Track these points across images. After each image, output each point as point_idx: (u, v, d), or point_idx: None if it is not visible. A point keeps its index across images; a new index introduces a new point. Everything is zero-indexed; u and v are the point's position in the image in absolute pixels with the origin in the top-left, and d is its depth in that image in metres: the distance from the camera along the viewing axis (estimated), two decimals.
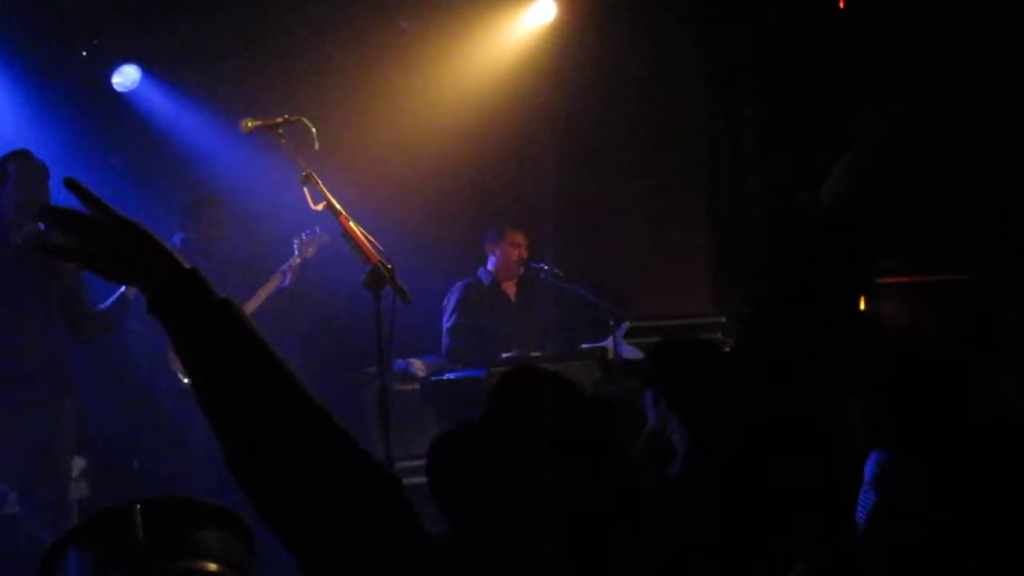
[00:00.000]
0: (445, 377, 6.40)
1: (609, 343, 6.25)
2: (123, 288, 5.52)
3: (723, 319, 6.74)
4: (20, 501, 5.63)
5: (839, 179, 3.22)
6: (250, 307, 6.77)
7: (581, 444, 1.93)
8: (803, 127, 7.28)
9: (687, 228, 7.88)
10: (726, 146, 7.76)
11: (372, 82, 7.62)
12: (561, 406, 1.95)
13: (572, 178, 7.93)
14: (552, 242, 7.38)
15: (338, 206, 4.44)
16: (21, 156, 5.46)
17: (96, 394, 6.78)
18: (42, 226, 4.57)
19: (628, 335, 6.33)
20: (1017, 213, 6.73)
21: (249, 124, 4.71)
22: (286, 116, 4.70)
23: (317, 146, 4.55)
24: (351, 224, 4.40)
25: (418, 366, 7.19)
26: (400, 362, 7.20)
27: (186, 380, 6.52)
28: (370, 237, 4.40)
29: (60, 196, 5.93)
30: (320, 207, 4.47)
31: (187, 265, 1.82)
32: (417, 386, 6.96)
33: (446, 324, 6.73)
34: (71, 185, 1.81)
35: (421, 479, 6.57)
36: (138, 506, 2.02)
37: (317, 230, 6.70)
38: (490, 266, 6.88)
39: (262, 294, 6.80)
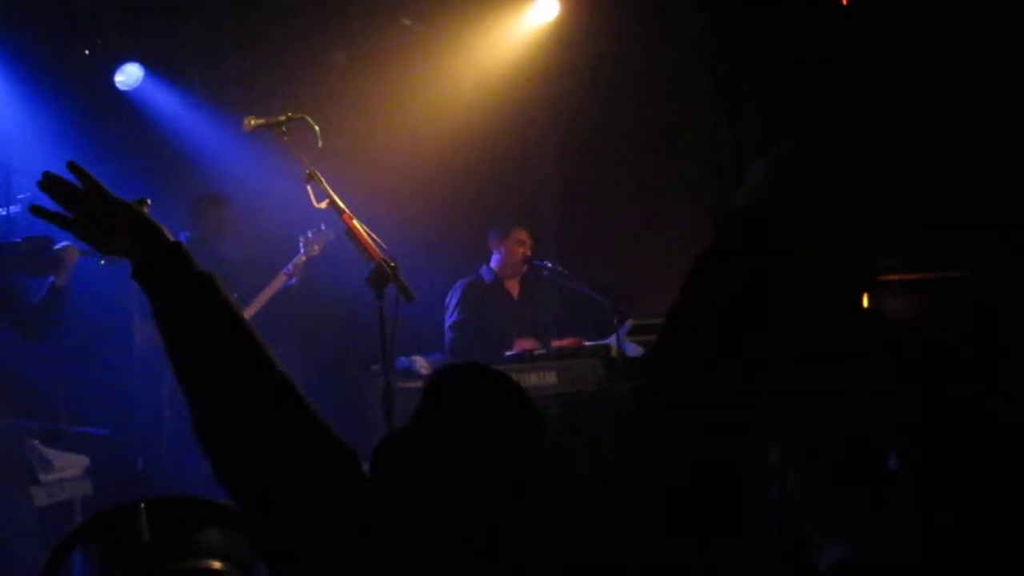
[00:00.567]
0: None
1: (612, 341, 6.25)
2: (51, 279, 5.52)
3: None
4: None
5: (754, 182, 3.23)
6: (255, 305, 6.79)
7: (511, 442, 1.94)
8: (806, 127, 7.26)
9: (690, 225, 7.86)
10: (728, 144, 7.75)
11: (375, 80, 7.62)
12: (488, 406, 1.97)
13: (575, 176, 7.93)
14: (555, 240, 7.38)
15: (341, 204, 4.44)
16: None
17: (97, 394, 6.80)
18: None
19: (631, 333, 6.33)
20: (1020, 209, 6.72)
21: (252, 122, 4.72)
22: (289, 114, 4.70)
23: (320, 144, 4.55)
24: (354, 222, 4.40)
25: (422, 364, 7.19)
26: (404, 360, 7.19)
27: None
28: (373, 235, 4.40)
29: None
30: (323, 205, 4.47)
31: (172, 239, 1.95)
32: (421, 384, 6.95)
33: (449, 321, 6.73)
34: (73, 168, 1.90)
35: None
36: (142, 505, 2.03)
37: (323, 227, 6.71)
38: (493, 264, 6.89)
39: (268, 292, 6.81)
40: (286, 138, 4.64)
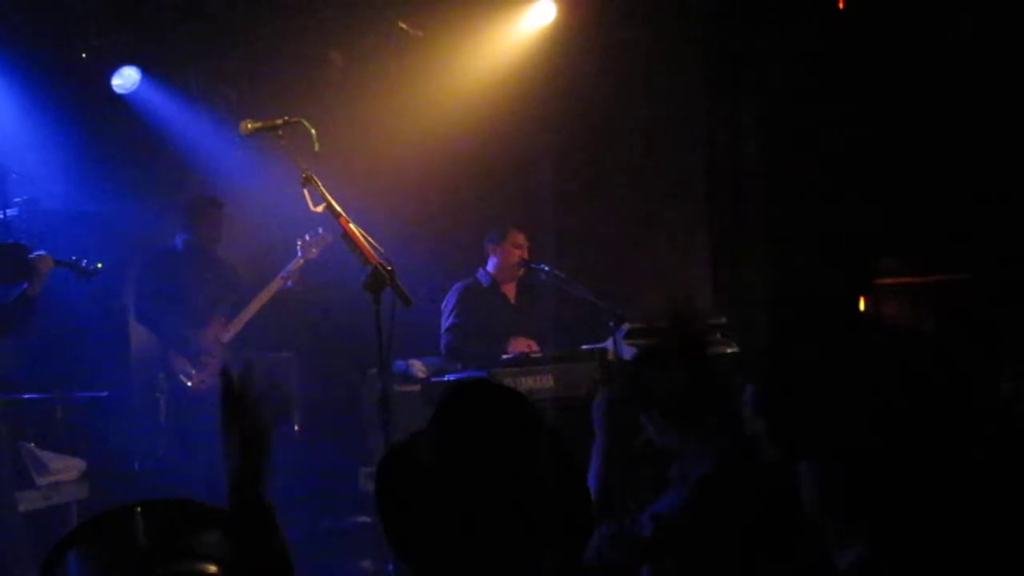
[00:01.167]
0: (446, 378, 6.40)
1: (609, 344, 6.25)
2: (25, 285, 5.54)
3: (723, 320, 6.74)
4: None
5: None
6: (252, 309, 6.79)
7: (523, 462, 1.95)
8: (803, 130, 7.28)
9: (688, 229, 7.88)
10: (726, 147, 7.76)
11: (372, 84, 7.62)
12: (506, 424, 1.97)
13: (571, 179, 7.93)
14: (552, 243, 7.38)
15: (338, 208, 4.44)
16: None
17: (97, 396, 6.79)
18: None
19: (628, 336, 6.33)
20: (1016, 212, 6.73)
21: (249, 126, 4.72)
22: (286, 118, 4.70)
23: (317, 148, 4.55)
24: (351, 226, 4.41)
25: (418, 367, 7.19)
26: (400, 363, 7.19)
27: (189, 383, 6.55)
28: (370, 239, 4.41)
29: (57, 199, 5.85)
30: (320, 209, 4.47)
31: (263, 490, 2.29)
32: (417, 387, 6.95)
33: (445, 324, 6.73)
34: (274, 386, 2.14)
35: None
36: (139, 508, 2.03)
37: (320, 231, 6.71)
38: (490, 267, 6.89)
39: (265, 295, 6.81)
40: (283, 142, 4.65)
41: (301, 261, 6.83)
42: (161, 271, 6.69)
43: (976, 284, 6.75)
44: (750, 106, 7.61)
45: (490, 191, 8.00)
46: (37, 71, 7.17)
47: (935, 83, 6.94)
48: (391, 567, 4.34)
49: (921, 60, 6.98)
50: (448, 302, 6.79)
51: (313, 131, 4.59)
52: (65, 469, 6.28)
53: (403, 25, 7.26)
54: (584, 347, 6.44)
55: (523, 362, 6.18)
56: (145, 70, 7.51)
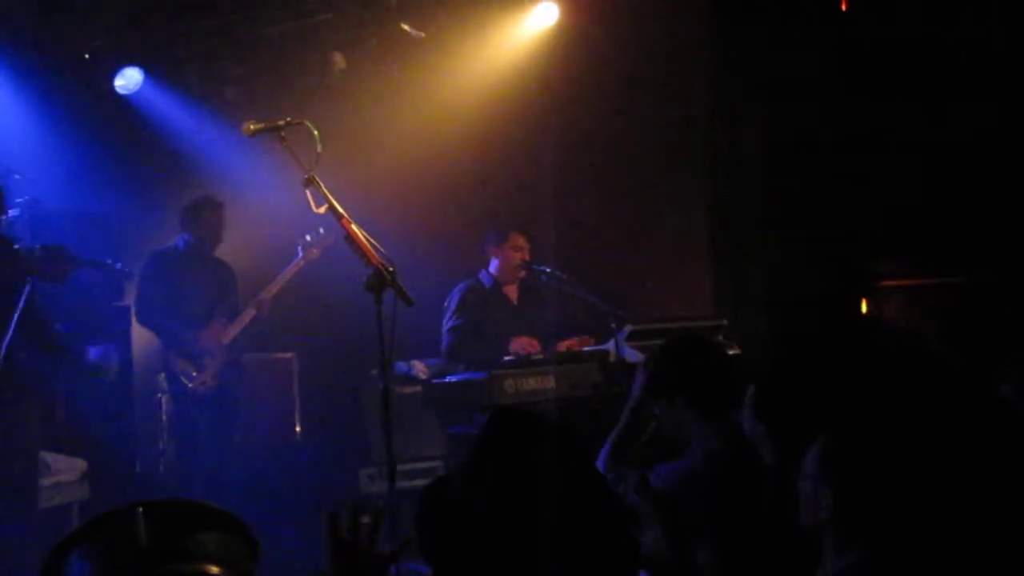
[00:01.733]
0: (447, 379, 6.40)
1: (611, 346, 6.25)
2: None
3: (725, 322, 6.74)
4: None
5: None
6: (251, 311, 6.79)
7: (576, 499, 1.96)
8: (805, 132, 7.28)
9: (689, 231, 7.87)
10: (727, 149, 7.76)
11: (374, 85, 7.63)
12: (552, 457, 1.99)
13: (573, 181, 7.93)
14: (553, 245, 7.38)
15: (340, 209, 4.44)
16: None
17: (98, 397, 6.79)
18: None
19: (630, 338, 6.33)
20: (1017, 215, 6.73)
21: (251, 127, 4.72)
22: (288, 119, 4.70)
23: (320, 149, 4.55)
24: (353, 227, 4.41)
25: (420, 368, 7.19)
26: (402, 364, 7.20)
27: (190, 384, 6.55)
28: (372, 240, 4.41)
29: (59, 199, 5.86)
30: (322, 210, 4.47)
31: None
32: (419, 388, 6.96)
33: (447, 325, 6.73)
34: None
35: (422, 481, 6.62)
36: (140, 509, 2.03)
37: (321, 231, 6.72)
38: (492, 268, 6.88)
39: (266, 295, 6.82)
40: (285, 143, 4.65)
41: (302, 262, 6.84)
42: (162, 272, 6.70)
43: (977, 286, 6.75)
44: (751, 108, 7.61)
45: (492, 192, 8.00)
46: (40, 72, 7.18)
47: (936, 83, 6.93)
48: (392, 570, 4.34)
49: (922, 60, 6.98)
50: (450, 303, 6.79)
51: (316, 132, 4.59)
52: (66, 469, 6.28)
53: (405, 27, 7.26)
54: (586, 348, 6.44)
55: (525, 363, 6.19)
56: (147, 71, 7.52)
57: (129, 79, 7.50)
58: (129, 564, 1.99)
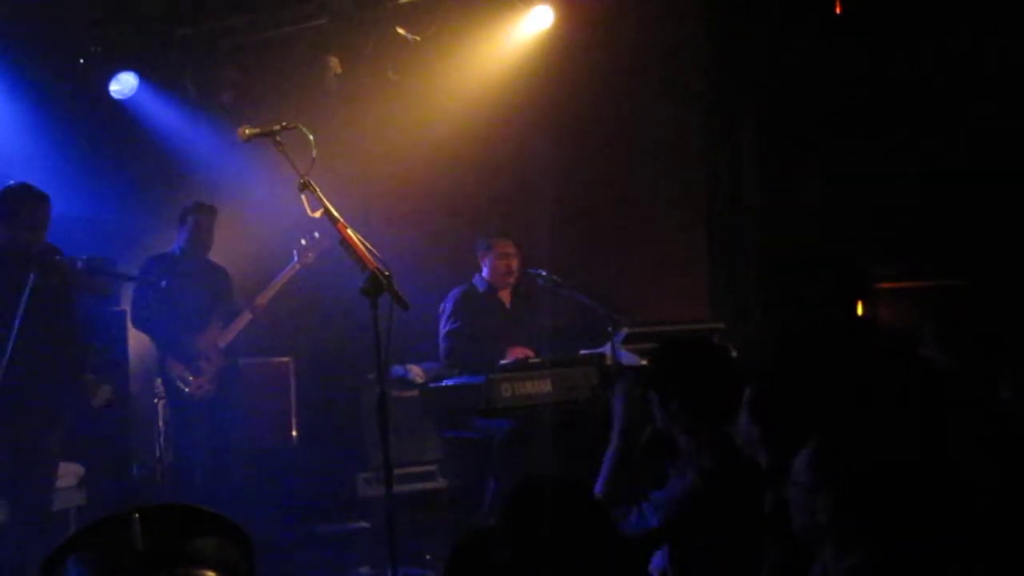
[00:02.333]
0: (443, 384, 6.40)
1: (607, 349, 6.26)
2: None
3: (721, 325, 6.75)
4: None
5: None
6: (247, 316, 6.79)
7: (587, 557, 2.06)
8: (801, 134, 7.29)
9: (685, 234, 7.88)
10: (724, 152, 7.77)
11: (370, 89, 7.63)
12: (566, 523, 2.08)
13: (570, 185, 7.93)
14: (550, 248, 7.38)
15: (336, 213, 4.44)
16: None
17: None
18: None
19: (626, 341, 6.33)
20: (1015, 217, 6.74)
21: (247, 131, 4.72)
22: (284, 123, 4.70)
23: (315, 153, 4.55)
24: (349, 231, 4.40)
25: (416, 373, 7.19)
26: (398, 369, 7.19)
27: (187, 388, 6.54)
28: (368, 244, 4.40)
29: (56, 207, 5.84)
30: (318, 214, 4.47)
31: None
32: (415, 393, 6.96)
33: (443, 330, 6.73)
34: None
35: (419, 485, 6.61)
36: (137, 514, 2.02)
37: (317, 236, 6.71)
38: (485, 273, 6.88)
39: (262, 300, 6.81)
40: (280, 147, 4.64)
41: (298, 266, 6.84)
42: (158, 277, 6.69)
43: (974, 289, 6.75)
44: (749, 110, 7.62)
45: (488, 196, 8.00)
46: (35, 77, 7.18)
47: (935, 84, 6.94)
48: (389, 574, 4.34)
49: (921, 61, 6.99)
50: (445, 308, 6.79)
51: (311, 136, 4.58)
52: (63, 475, 6.26)
53: (401, 30, 7.26)
54: (583, 352, 6.44)
55: (522, 367, 6.19)
56: (143, 76, 7.52)
57: (124, 84, 7.50)
58: (126, 569, 1.99)
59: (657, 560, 3.43)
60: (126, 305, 6.94)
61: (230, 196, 7.22)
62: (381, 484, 4.36)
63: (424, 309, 6.29)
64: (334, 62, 7.51)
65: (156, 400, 7.20)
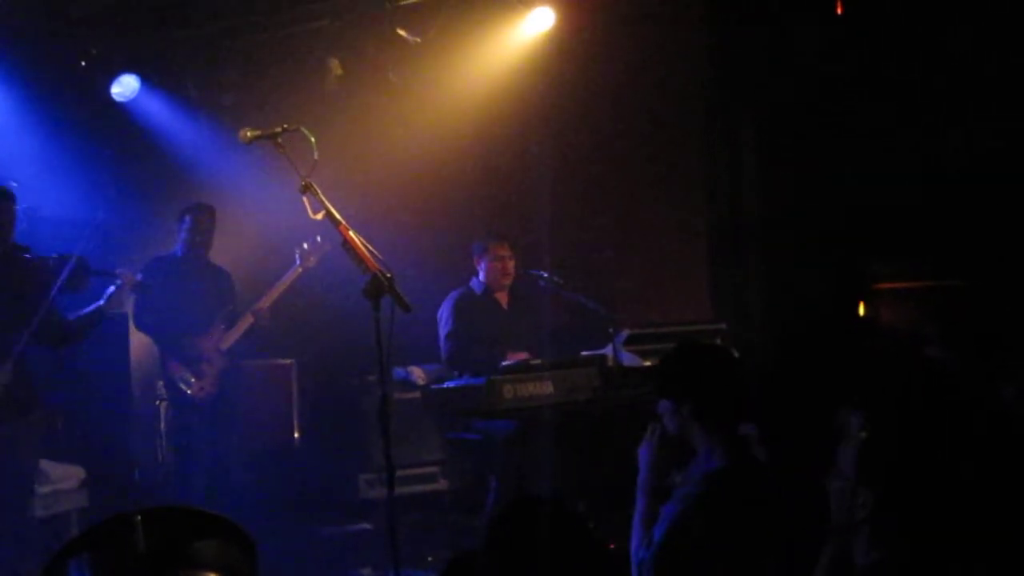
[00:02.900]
0: (445, 385, 6.41)
1: (608, 351, 6.26)
2: (101, 302, 5.60)
3: (723, 326, 6.75)
4: None
5: None
6: (249, 318, 6.79)
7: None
8: (801, 135, 7.28)
9: (686, 235, 7.88)
10: (724, 153, 7.76)
11: (370, 90, 7.63)
12: (558, 541, 2.09)
13: (570, 186, 7.94)
14: (551, 250, 7.38)
15: (337, 216, 4.44)
16: None
17: (96, 404, 6.79)
18: None
19: (627, 343, 6.33)
20: (1015, 217, 6.73)
21: (248, 134, 4.72)
22: (285, 126, 4.70)
23: (316, 155, 4.55)
24: (351, 233, 4.41)
25: (418, 374, 7.20)
26: (400, 370, 7.21)
27: (189, 390, 6.55)
28: (369, 246, 4.41)
29: (57, 206, 5.85)
30: (319, 216, 4.47)
31: None
32: (417, 394, 6.97)
33: (444, 332, 6.73)
34: None
35: (421, 487, 6.63)
36: (139, 516, 2.03)
37: (319, 239, 6.71)
38: (481, 276, 6.88)
39: (264, 302, 6.81)
40: (282, 149, 4.65)
41: (300, 269, 6.84)
42: (160, 278, 6.70)
43: (976, 289, 6.75)
44: (749, 111, 7.62)
45: (489, 198, 8.01)
46: (37, 79, 7.18)
47: (934, 85, 6.94)
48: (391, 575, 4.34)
49: (920, 62, 6.98)
50: (443, 311, 6.79)
51: (312, 139, 4.59)
52: (65, 477, 6.27)
53: (401, 32, 7.27)
54: (584, 353, 6.44)
55: (523, 369, 6.19)
56: (144, 78, 7.52)
57: (126, 86, 7.50)
58: (128, 571, 1.99)
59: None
60: (127, 307, 6.94)
61: (232, 198, 7.23)
62: (383, 485, 4.36)
63: (426, 311, 6.30)
64: (335, 64, 7.52)
65: (158, 402, 7.21)
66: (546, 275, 6.68)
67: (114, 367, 7.08)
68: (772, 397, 3.38)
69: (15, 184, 6.59)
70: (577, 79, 7.65)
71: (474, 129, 7.70)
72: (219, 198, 7.07)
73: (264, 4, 7.33)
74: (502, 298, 6.91)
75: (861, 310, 7.30)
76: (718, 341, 6.55)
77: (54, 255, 5.64)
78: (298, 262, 6.84)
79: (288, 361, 7.67)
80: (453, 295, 6.82)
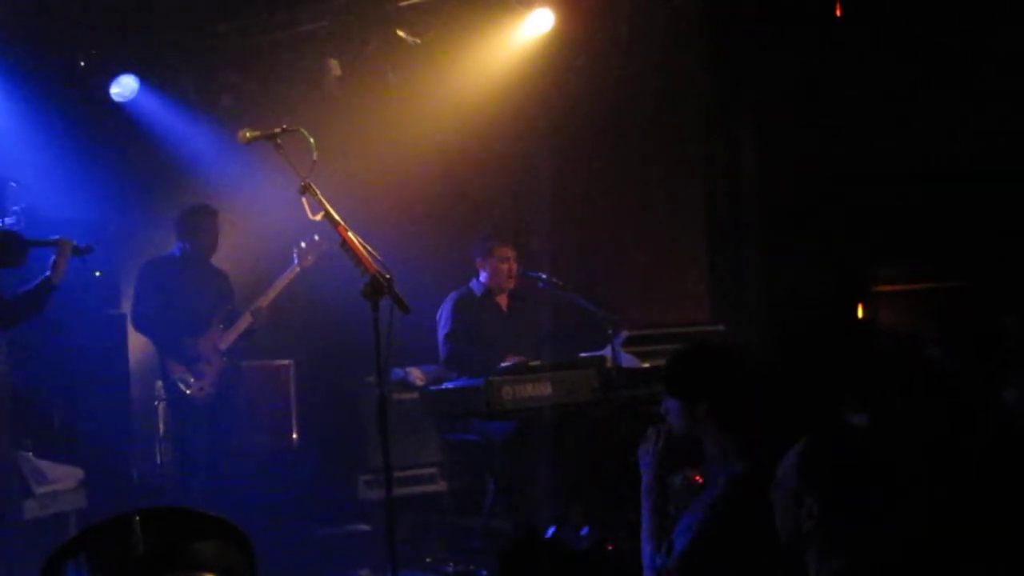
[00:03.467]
0: (443, 386, 6.40)
1: (607, 352, 6.25)
2: (48, 273, 5.57)
3: (721, 327, 6.75)
4: None
5: None
6: (247, 318, 6.79)
7: None
8: (800, 137, 7.28)
9: (685, 237, 7.88)
10: (724, 154, 7.76)
11: (370, 92, 7.63)
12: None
13: (569, 188, 7.94)
14: (550, 251, 7.38)
15: (336, 216, 4.45)
16: None
17: (95, 404, 6.79)
18: None
19: (626, 344, 6.33)
20: (1015, 218, 6.73)
21: (248, 134, 4.72)
22: (284, 126, 4.71)
23: (315, 156, 4.55)
24: (349, 234, 4.41)
25: (416, 375, 7.19)
26: (398, 371, 7.20)
27: (188, 390, 6.55)
28: (368, 247, 4.41)
29: (56, 210, 5.84)
30: (318, 217, 4.47)
31: None
32: (416, 395, 6.96)
33: (443, 333, 6.73)
34: None
35: (419, 488, 6.65)
36: (137, 517, 2.03)
37: (316, 238, 6.71)
38: (482, 278, 6.88)
39: (263, 302, 6.81)
40: (281, 150, 4.65)
41: (298, 269, 6.84)
42: (159, 279, 6.70)
43: (975, 291, 6.75)
44: (748, 112, 7.62)
45: (488, 199, 8.01)
46: (36, 80, 7.17)
47: (933, 86, 6.94)
48: None
49: (919, 63, 6.98)
50: (443, 312, 6.79)
51: (311, 139, 4.59)
52: (63, 478, 6.27)
53: (401, 33, 7.27)
54: (583, 355, 6.44)
55: (522, 370, 6.19)
56: (143, 79, 7.52)
57: (125, 87, 7.50)
58: (126, 572, 1.99)
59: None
60: (126, 308, 6.94)
61: (231, 199, 7.22)
62: (381, 486, 4.36)
63: (424, 312, 6.29)
64: (334, 65, 7.52)
65: (156, 402, 7.20)
66: (545, 276, 6.68)
67: (113, 368, 7.07)
68: (770, 398, 3.36)
69: (14, 184, 6.60)
70: (576, 80, 7.65)
71: (473, 130, 7.69)
72: (218, 198, 7.06)
73: (264, 5, 7.33)
74: (502, 300, 6.91)
75: (860, 312, 7.31)
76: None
77: None
78: (296, 261, 6.83)
79: (287, 362, 7.66)
80: (452, 296, 6.82)
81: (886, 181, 7.06)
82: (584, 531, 4.98)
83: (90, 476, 6.41)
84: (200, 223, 6.77)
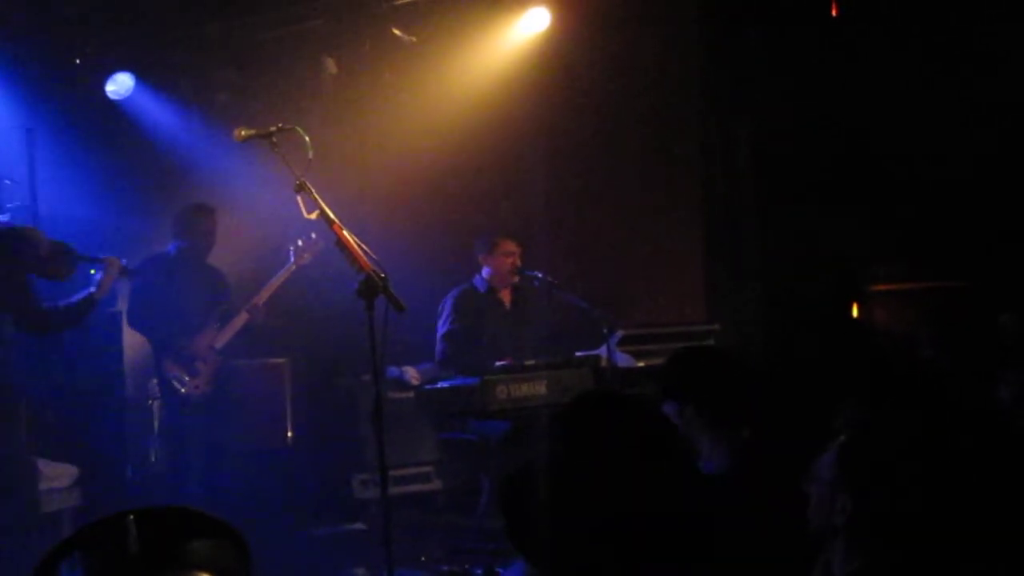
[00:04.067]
0: (439, 385, 6.40)
1: (603, 351, 6.26)
2: (92, 288, 5.60)
3: (717, 327, 6.75)
4: None
5: None
6: (243, 316, 6.78)
7: (659, 451, 2.02)
8: (797, 136, 7.29)
9: (681, 236, 7.88)
10: (720, 154, 7.76)
11: (365, 90, 7.63)
12: (635, 423, 2.07)
13: (566, 187, 7.94)
14: (546, 251, 7.38)
15: (331, 215, 4.44)
16: None
17: (90, 402, 6.78)
18: None
19: (621, 343, 6.33)
20: (1013, 218, 6.74)
21: (243, 132, 4.72)
22: (280, 125, 4.70)
23: (311, 155, 4.55)
24: (344, 233, 4.40)
25: (412, 374, 7.19)
26: (394, 370, 7.19)
27: (183, 389, 6.54)
28: (363, 246, 4.40)
29: (51, 208, 5.85)
30: (313, 216, 4.47)
31: None
32: (411, 394, 6.96)
33: (441, 330, 6.73)
34: None
35: (414, 487, 6.63)
36: (131, 516, 2.02)
37: (313, 236, 6.70)
38: (485, 274, 6.88)
39: (258, 300, 6.80)
40: (277, 149, 4.64)
41: (293, 267, 6.82)
42: (154, 277, 6.68)
43: (972, 290, 6.76)
44: (744, 114, 7.62)
45: (484, 197, 8.00)
46: (31, 77, 7.16)
47: (932, 86, 6.95)
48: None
49: (917, 63, 6.99)
50: (443, 308, 6.79)
51: (307, 138, 4.58)
52: (57, 476, 6.26)
53: (397, 32, 7.26)
54: (578, 354, 6.44)
55: (517, 369, 6.18)
56: (139, 76, 7.50)
57: (121, 84, 7.49)
58: (120, 572, 1.98)
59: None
60: (121, 306, 6.92)
61: (226, 197, 7.21)
62: (377, 486, 4.36)
63: (419, 311, 6.28)
64: (330, 63, 7.51)
65: (151, 401, 7.18)
66: (540, 275, 6.69)
67: (108, 366, 7.06)
68: (766, 398, 3.36)
69: (8, 182, 6.59)
70: (572, 79, 7.65)
71: (469, 128, 7.69)
72: (213, 196, 7.05)
73: (260, 3, 7.33)
74: (505, 297, 6.92)
75: (856, 311, 7.31)
76: (711, 342, 6.56)
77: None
78: (292, 259, 6.82)
79: (282, 361, 7.65)
80: (454, 292, 6.82)
81: (882, 181, 7.07)
82: None
83: (85, 474, 6.40)
84: (198, 221, 6.75)
